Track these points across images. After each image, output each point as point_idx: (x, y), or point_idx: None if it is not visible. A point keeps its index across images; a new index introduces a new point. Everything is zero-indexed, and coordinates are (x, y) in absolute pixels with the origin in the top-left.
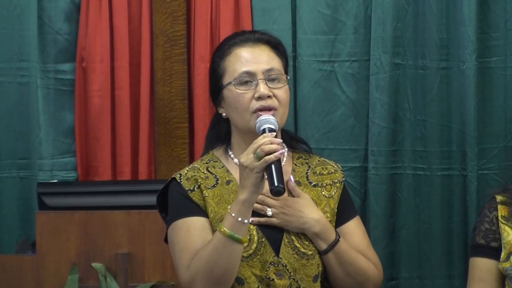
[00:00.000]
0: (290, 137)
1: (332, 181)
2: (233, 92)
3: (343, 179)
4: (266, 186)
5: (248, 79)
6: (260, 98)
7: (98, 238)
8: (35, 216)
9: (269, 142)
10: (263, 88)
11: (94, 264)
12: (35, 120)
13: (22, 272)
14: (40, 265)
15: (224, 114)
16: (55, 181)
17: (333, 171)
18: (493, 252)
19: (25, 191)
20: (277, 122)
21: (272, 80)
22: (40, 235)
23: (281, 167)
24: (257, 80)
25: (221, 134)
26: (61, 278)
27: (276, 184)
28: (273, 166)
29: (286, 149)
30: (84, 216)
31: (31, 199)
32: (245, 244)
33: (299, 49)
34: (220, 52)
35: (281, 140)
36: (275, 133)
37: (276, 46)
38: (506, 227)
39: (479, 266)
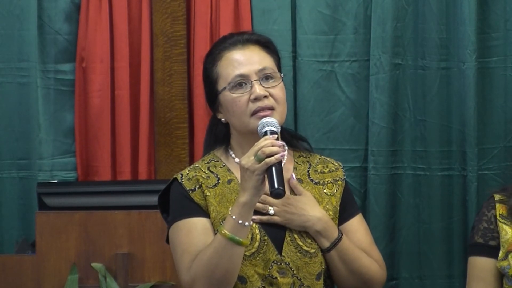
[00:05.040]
0: (291, 135)
1: (334, 179)
2: (229, 97)
3: (345, 177)
4: (268, 186)
5: (242, 81)
6: (256, 99)
7: (98, 238)
8: (35, 216)
9: (270, 144)
10: (258, 89)
11: (94, 264)
12: (35, 120)
13: (22, 272)
14: (40, 265)
15: (223, 120)
16: (55, 181)
17: (334, 169)
18: (492, 251)
19: (25, 191)
20: (278, 123)
21: (266, 79)
22: (40, 235)
23: (281, 170)
24: (252, 82)
25: (219, 137)
26: (61, 278)
27: (276, 186)
28: (273, 169)
29: (287, 150)
30: (84, 216)
31: (31, 199)
32: (246, 246)
33: (299, 49)
34: (211, 58)
35: (283, 143)
36: (276, 136)
37: (266, 44)
38: (505, 226)
39: (478, 265)
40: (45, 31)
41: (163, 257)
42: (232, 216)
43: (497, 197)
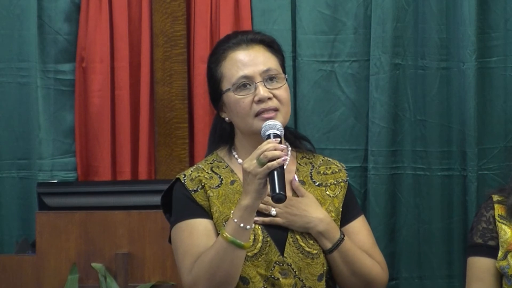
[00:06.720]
0: (294, 136)
1: (336, 181)
2: (233, 98)
3: (347, 178)
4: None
5: (246, 82)
6: (260, 101)
7: (98, 238)
8: (35, 216)
9: (273, 148)
10: (262, 91)
11: (94, 264)
12: (35, 120)
13: (22, 272)
14: (40, 265)
15: (227, 119)
16: (55, 181)
17: (337, 170)
18: (491, 251)
19: (25, 191)
20: (281, 126)
21: (271, 80)
22: (40, 235)
23: (283, 174)
24: (256, 83)
25: (223, 136)
26: (61, 278)
27: (277, 191)
28: (275, 173)
29: (289, 153)
30: (84, 216)
31: (31, 199)
32: (248, 248)
33: (299, 49)
34: (215, 57)
35: (285, 146)
36: (279, 139)
37: (270, 44)
38: (503, 226)
39: (477, 265)
40: (45, 31)
41: (163, 257)
42: (233, 219)
43: (495, 197)
